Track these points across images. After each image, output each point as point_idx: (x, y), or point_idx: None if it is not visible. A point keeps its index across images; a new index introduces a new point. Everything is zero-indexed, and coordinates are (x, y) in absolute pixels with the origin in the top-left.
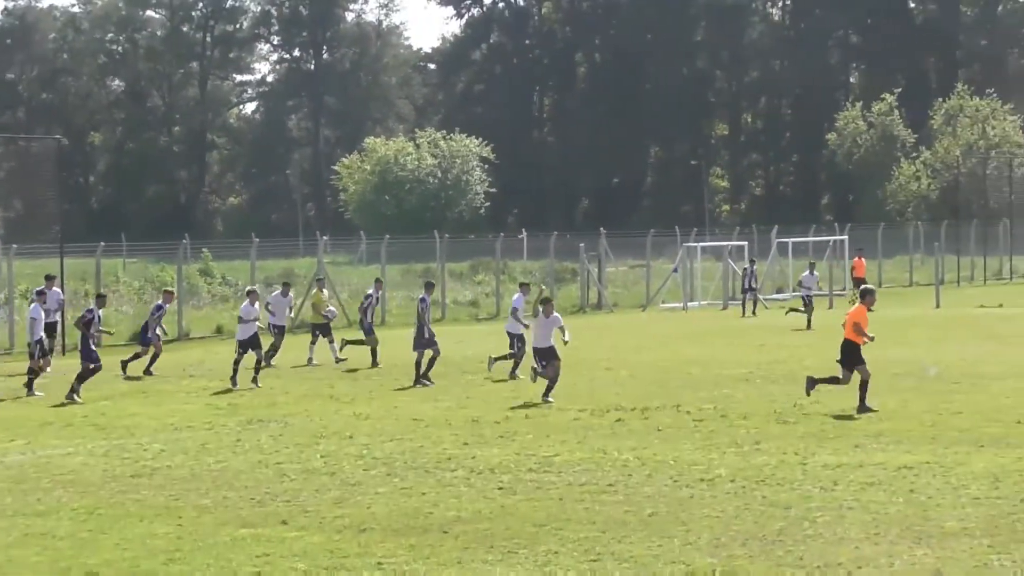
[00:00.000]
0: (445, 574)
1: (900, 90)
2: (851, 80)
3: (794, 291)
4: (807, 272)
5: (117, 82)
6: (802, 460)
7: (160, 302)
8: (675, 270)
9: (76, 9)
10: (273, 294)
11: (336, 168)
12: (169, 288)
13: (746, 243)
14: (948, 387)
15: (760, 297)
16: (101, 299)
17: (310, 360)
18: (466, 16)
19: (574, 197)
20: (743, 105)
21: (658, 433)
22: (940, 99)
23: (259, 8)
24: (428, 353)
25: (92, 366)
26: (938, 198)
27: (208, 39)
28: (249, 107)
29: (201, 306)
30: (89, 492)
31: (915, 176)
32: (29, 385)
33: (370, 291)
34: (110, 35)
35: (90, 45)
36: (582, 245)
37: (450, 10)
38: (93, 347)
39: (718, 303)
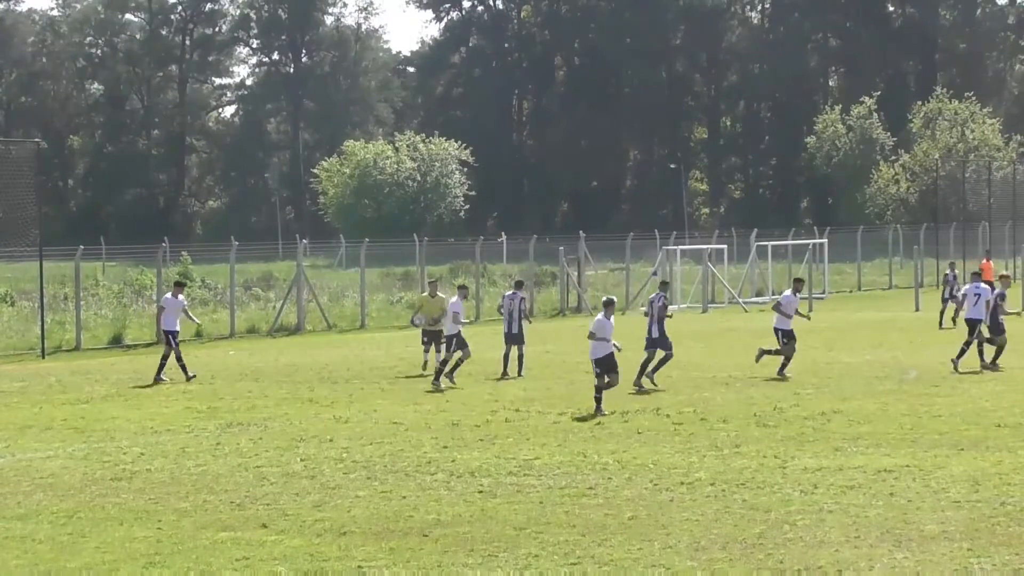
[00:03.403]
0: None
1: (879, 93)
2: (830, 83)
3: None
4: None
5: (96, 85)
6: (782, 463)
7: (661, 292)
8: (654, 273)
9: (55, 12)
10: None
11: (315, 171)
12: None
13: (725, 246)
14: (927, 390)
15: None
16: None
17: (424, 365)
18: (445, 19)
19: (553, 200)
20: (722, 108)
21: (638, 436)
22: (919, 102)
23: (238, 11)
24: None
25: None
26: (917, 201)
27: (187, 42)
28: (228, 110)
29: None
30: (69, 496)
31: (894, 179)
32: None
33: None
34: (89, 38)
35: (69, 48)
36: (561, 248)
37: (429, 13)
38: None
39: (698, 306)
